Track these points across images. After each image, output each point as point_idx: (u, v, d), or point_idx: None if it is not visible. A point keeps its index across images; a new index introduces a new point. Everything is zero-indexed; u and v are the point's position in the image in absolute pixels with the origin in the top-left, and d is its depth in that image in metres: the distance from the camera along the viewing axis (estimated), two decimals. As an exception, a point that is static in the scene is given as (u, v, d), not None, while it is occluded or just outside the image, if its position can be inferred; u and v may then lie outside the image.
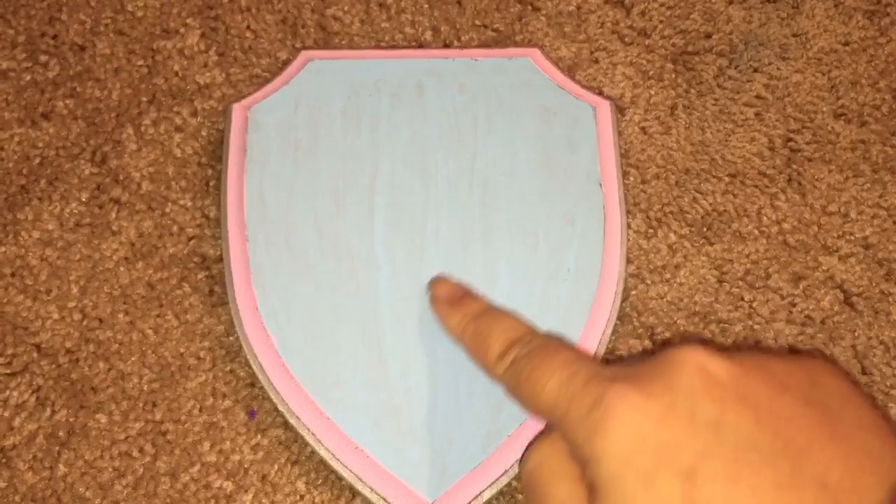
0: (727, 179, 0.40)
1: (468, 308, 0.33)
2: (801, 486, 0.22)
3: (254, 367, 0.34)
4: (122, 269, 0.37)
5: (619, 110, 0.41)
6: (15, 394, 0.35)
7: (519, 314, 0.32)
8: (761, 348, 0.36)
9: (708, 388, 0.24)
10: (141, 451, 0.34)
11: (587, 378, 0.26)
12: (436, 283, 0.35)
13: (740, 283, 0.38)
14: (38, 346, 0.36)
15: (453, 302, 0.33)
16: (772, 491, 0.22)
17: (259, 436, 0.34)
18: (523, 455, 0.28)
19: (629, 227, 0.38)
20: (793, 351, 0.36)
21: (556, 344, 0.29)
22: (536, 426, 0.33)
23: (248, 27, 0.42)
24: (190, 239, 0.38)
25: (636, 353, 0.36)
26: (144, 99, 0.40)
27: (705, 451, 0.23)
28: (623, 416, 0.24)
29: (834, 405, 0.25)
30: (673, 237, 0.38)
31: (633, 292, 0.37)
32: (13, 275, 0.37)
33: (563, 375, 0.26)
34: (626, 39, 0.43)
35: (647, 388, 0.24)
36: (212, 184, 0.39)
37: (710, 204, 0.39)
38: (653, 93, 0.41)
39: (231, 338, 0.36)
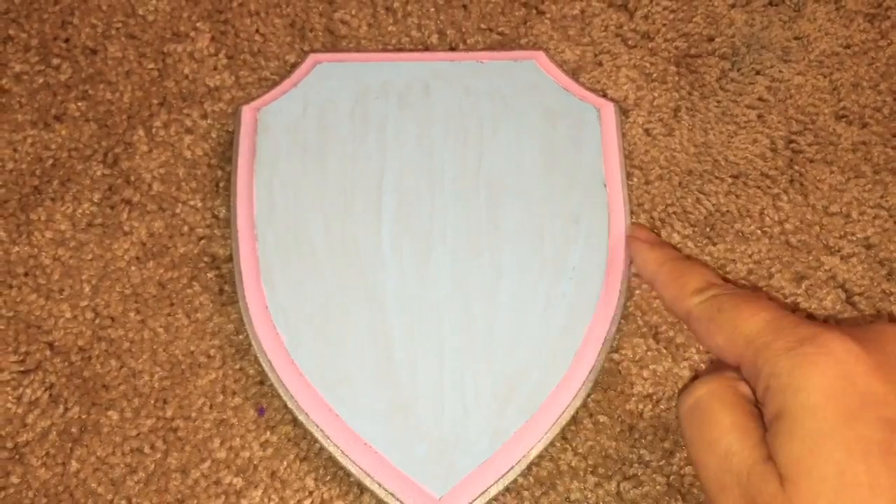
0: (730, 180, 0.40)
1: (667, 250, 0.34)
2: None
3: (263, 364, 0.34)
4: (133, 268, 0.37)
5: (623, 112, 0.41)
6: (28, 391, 0.35)
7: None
8: None
9: None
10: (152, 447, 0.35)
11: (798, 321, 0.27)
12: (635, 226, 0.37)
13: (743, 282, 0.38)
14: (50, 345, 0.36)
15: (652, 244, 0.35)
16: None
17: (268, 433, 0.35)
18: (682, 393, 0.29)
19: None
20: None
21: (759, 293, 0.30)
22: (544, 421, 0.34)
23: (256, 31, 0.42)
24: (200, 239, 0.38)
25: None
26: (155, 101, 0.41)
27: None
28: (837, 355, 0.25)
29: None
30: (676, 237, 0.39)
31: (638, 291, 0.38)
32: (26, 274, 0.37)
33: (774, 314, 0.27)
34: (630, 42, 0.43)
35: (861, 342, 0.25)
36: (221, 185, 0.39)
37: (713, 204, 0.40)
38: (656, 95, 0.42)
39: (240, 336, 0.36)
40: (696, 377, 0.31)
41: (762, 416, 0.26)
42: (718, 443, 0.26)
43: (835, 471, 0.23)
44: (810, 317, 0.37)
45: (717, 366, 0.31)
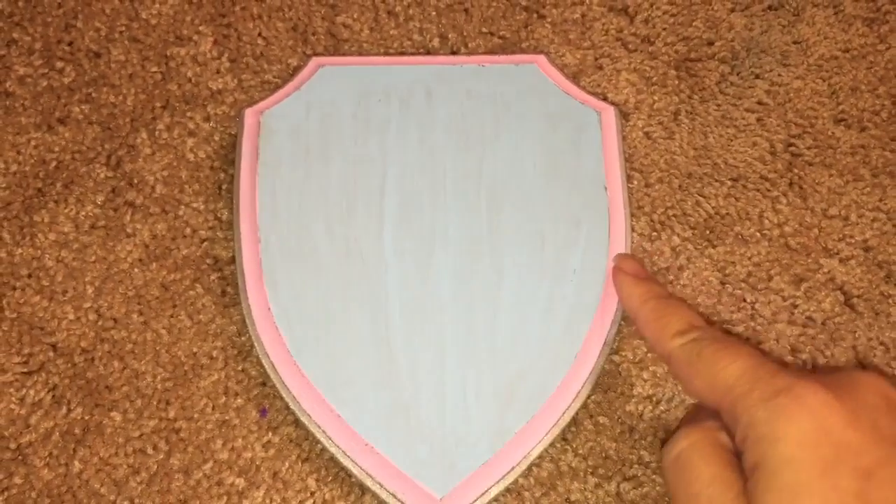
0: (729, 183, 0.40)
1: (652, 286, 0.34)
2: None
3: (265, 366, 0.35)
4: (136, 270, 0.38)
5: (623, 116, 0.42)
6: (31, 392, 0.35)
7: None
8: None
9: (890, 408, 0.26)
10: (155, 448, 0.35)
11: (775, 370, 0.27)
12: (621, 257, 0.36)
13: (742, 284, 0.38)
14: (54, 346, 0.36)
15: (637, 279, 0.35)
16: None
17: (270, 433, 0.35)
18: (666, 445, 0.29)
19: (633, 229, 0.39)
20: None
21: (738, 339, 0.30)
22: (545, 422, 0.34)
23: (259, 34, 0.43)
24: (203, 241, 0.38)
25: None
26: (158, 104, 0.41)
27: (885, 459, 0.25)
28: (812, 406, 0.25)
29: None
30: (676, 240, 0.39)
31: (638, 294, 0.38)
32: (30, 276, 0.37)
33: (751, 361, 0.28)
34: (630, 46, 0.43)
35: (835, 391, 0.26)
36: (224, 187, 0.39)
37: (713, 207, 0.40)
38: (656, 98, 0.42)
39: (243, 337, 0.37)
40: (678, 428, 0.31)
41: (742, 466, 0.27)
42: (700, 496, 0.27)
43: None
44: (810, 319, 0.38)
45: (698, 411, 0.31)
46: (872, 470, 0.24)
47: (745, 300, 0.38)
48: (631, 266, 0.36)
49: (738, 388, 0.27)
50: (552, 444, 0.34)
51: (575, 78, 0.42)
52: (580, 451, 0.35)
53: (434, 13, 0.44)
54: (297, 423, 0.35)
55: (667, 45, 0.44)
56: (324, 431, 0.34)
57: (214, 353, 0.36)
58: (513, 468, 0.33)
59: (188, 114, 0.41)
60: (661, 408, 0.36)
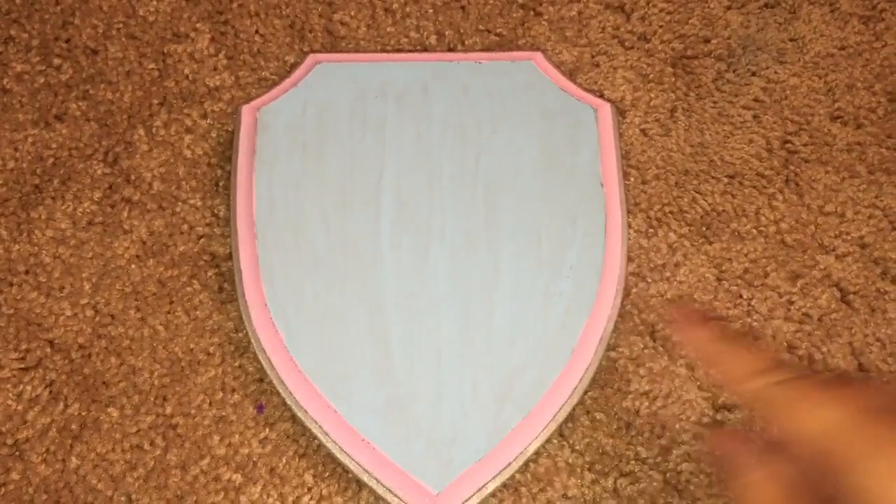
0: (726, 180, 0.41)
1: (718, 325, 0.32)
2: None
3: (262, 362, 0.35)
4: (133, 266, 0.38)
5: (620, 113, 0.42)
6: (29, 388, 0.35)
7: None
8: None
9: None
10: (152, 444, 0.35)
11: (879, 416, 0.25)
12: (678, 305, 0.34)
13: (739, 281, 0.38)
14: (51, 342, 0.36)
15: (698, 321, 0.33)
16: None
17: (267, 429, 0.35)
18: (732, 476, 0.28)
19: (630, 226, 0.39)
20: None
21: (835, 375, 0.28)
22: (541, 418, 0.34)
23: (256, 31, 0.43)
24: (200, 237, 0.38)
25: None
26: (155, 101, 0.41)
27: None
28: None
29: None
30: (673, 236, 0.39)
31: (634, 290, 0.38)
32: (27, 272, 0.37)
33: (853, 407, 0.25)
34: (627, 44, 0.43)
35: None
36: (221, 184, 0.39)
37: (709, 204, 0.40)
38: (653, 96, 0.42)
39: (240, 334, 0.37)
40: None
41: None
42: None
43: None
44: (806, 315, 0.38)
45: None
46: None
47: (741, 296, 0.38)
48: (686, 312, 0.34)
49: (840, 439, 0.24)
50: (549, 440, 0.34)
51: (571, 75, 0.42)
52: (577, 447, 0.35)
53: (431, 10, 0.44)
54: (293, 418, 0.35)
55: (663, 42, 0.44)
56: (321, 427, 0.34)
57: (211, 350, 0.36)
58: (509, 464, 0.33)
59: (185, 111, 0.41)
60: (658, 404, 0.36)
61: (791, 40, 0.44)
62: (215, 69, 0.42)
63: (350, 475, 0.34)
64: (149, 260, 0.38)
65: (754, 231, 0.39)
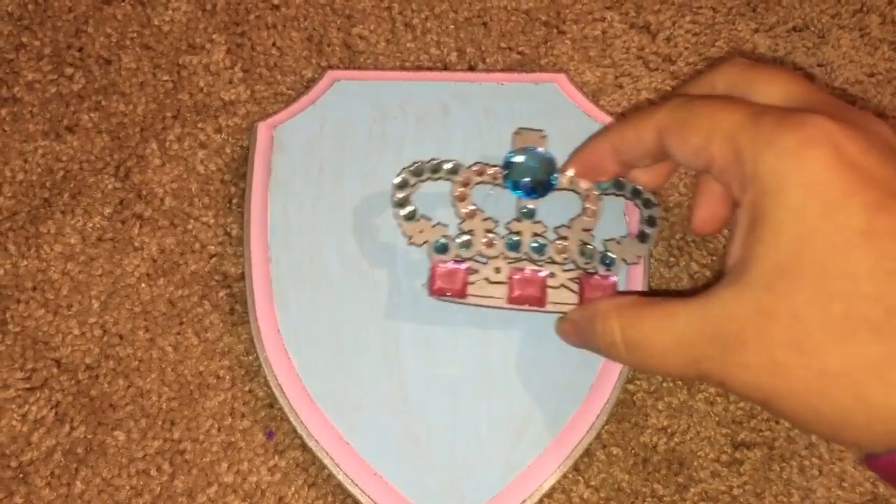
0: (750, 210, 0.40)
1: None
2: None
3: (273, 388, 0.34)
4: (143, 285, 0.37)
5: (643, 137, 0.41)
6: (34, 409, 0.35)
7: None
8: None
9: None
10: (158, 469, 0.34)
11: (782, 110, 0.25)
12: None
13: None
14: (57, 362, 0.36)
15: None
16: None
17: (277, 457, 0.34)
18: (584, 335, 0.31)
19: (651, 255, 0.38)
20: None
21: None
22: (558, 455, 0.33)
23: (273, 44, 0.42)
24: (212, 256, 0.38)
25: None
26: (169, 114, 0.40)
27: None
28: (826, 134, 0.24)
29: None
30: (695, 266, 0.38)
31: (655, 322, 0.37)
32: (34, 289, 0.37)
33: (755, 107, 0.26)
34: (651, 65, 0.43)
35: (848, 123, 0.24)
36: (234, 201, 0.39)
37: (733, 234, 0.39)
38: (677, 120, 0.41)
39: (250, 357, 0.36)
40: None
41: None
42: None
43: (816, 269, 0.23)
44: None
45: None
46: (883, 202, 0.23)
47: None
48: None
49: (743, 135, 0.25)
50: (564, 475, 0.34)
51: (594, 96, 0.41)
52: (592, 483, 0.35)
53: (452, 26, 0.43)
54: (304, 447, 0.34)
55: (689, 64, 0.43)
56: (331, 458, 0.33)
57: (221, 373, 0.36)
58: (524, 501, 0.32)
59: (199, 125, 0.40)
60: (676, 440, 0.35)
61: (819, 66, 0.43)
62: (231, 82, 0.41)
63: (361, 508, 0.33)
64: (159, 279, 0.37)
65: (778, 263, 0.39)
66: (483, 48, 0.42)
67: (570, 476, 0.35)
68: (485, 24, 0.43)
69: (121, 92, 0.40)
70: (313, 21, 0.42)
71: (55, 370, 0.35)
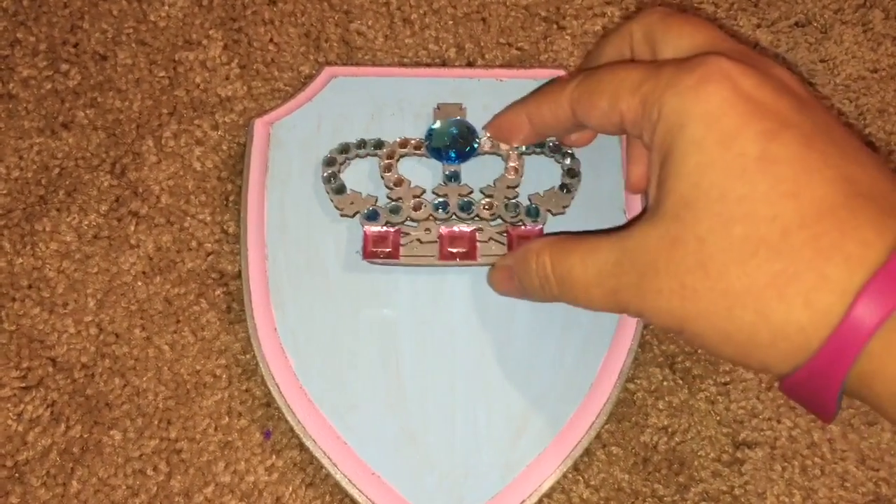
0: (752, 207, 0.39)
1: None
2: (860, 163, 0.24)
3: (270, 388, 0.34)
4: (139, 283, 0.37)
5: (644, 134, 0.40)
6: (29, 408, 0.35)
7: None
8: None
9: (794, 78, 0.27)
10: (155, 469, 0.34)
11: (680, 59, 0.27)
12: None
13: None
14: (53, 360, 0.35)
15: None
16: (840, 161, 0.24)
17: (274, 457, 0.34)
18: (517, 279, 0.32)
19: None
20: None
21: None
22: (557, 455, 0.33)
23: (270, 40, 0.41)
24: (208, 254, 0.37)
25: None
26: (165, 111, 0.40)
27: (791, 119, 0.24)
28: (723, 72, 0.25)
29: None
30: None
31: (655, 320, 0.37)
32: (30, 287, 0.36)
33: (651, 64, 0.28)
34: (652, 61, 0.42)
35: (744, 61, 0.26)
36: (231, 199, 0.38)
37: (734, 232, 0.39)
38: (678, 117, 0.41)
39: (247, 355, 0.36)
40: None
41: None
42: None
43: (717, 195, 0.24)
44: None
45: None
46: (776, 130, 0.24)
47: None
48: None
49: (645, 86, 0.27)
50: (563, 475, 0.33)
51: (595, 93, 0.41)
52: (592, 483, 0.34)
53: (451, 22, 0.42)
54: (301, 447, 0.34)
55: (690, 60, 0.42)
56: (329, 458, 0.33)
57: (218, 372, 0.35)
58: (523, 501, 0.32)
59: (196, 121, 0.40)
60: (677, 439, 0.35)
61: (822, 61, 0.43)
62: (227, 78, 0.40)
63: (358, 508, 0.33)
64: (155, 277, 0.37)
65: (780, 261, 0.38)
66: (482, 44, 0.42)
67: (570, 476, 0.34)
68: (484, 19, 0.43)
69: (116, 88, 0.40)
70: (310, 17, 0.42)
71: (51, 369, 0.35)
